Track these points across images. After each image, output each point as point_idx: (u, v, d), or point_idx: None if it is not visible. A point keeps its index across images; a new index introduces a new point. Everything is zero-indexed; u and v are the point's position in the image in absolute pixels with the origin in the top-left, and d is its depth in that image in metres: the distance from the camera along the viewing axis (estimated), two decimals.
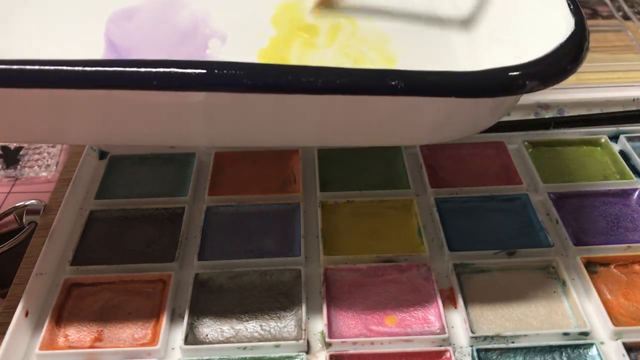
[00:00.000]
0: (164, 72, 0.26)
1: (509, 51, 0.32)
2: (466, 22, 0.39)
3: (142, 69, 0.26)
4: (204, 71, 0.26)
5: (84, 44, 0.38)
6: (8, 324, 0.34)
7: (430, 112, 0.30)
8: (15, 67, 0.26)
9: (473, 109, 0.31)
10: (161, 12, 0.40)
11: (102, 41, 0.38)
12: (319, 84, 0.27)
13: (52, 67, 0.26)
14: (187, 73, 0.26)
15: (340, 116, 0.31)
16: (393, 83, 0.27)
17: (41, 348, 0.33)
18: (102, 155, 0.46)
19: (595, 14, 0.63)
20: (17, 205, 0.46)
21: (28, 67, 0.26)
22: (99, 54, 0.37)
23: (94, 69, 0.26)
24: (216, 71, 0.26)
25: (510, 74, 0.27)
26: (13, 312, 0.35)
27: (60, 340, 0.34)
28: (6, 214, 0.46)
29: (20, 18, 0.39)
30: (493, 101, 0.30)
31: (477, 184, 0.43)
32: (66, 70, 0.26)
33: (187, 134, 0.33)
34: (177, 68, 0.26)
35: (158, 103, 0.29)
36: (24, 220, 0.45)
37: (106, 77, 0.26)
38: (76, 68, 0.26)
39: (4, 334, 0.34)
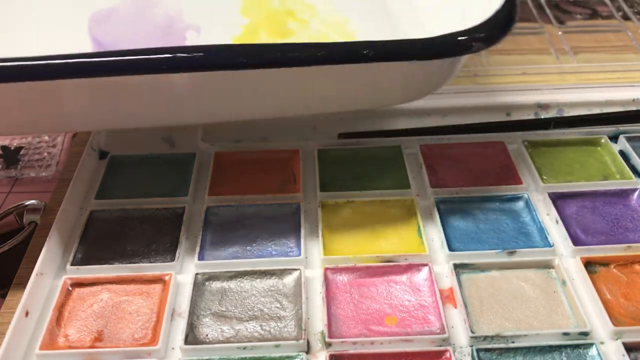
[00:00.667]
0: (170, 57, 0.31)
1: (450, 19, 0.37)
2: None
3: (154, 56, 0.31)
4: (203, 53, 0.31)
5: (73, 42, 0.41)
6: (8, 323, 0.34)
7: (396, 75, 0.36)
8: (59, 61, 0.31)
9: (430, 69, 0.37)
10: (136, 11, 0.44)
11: (88, 40, 0.41)
12: (304, 58, 0.32)
13: (98, 59, 0.31)
14: (194, 56, 0.31)
15: (321, 85, 0.36)
16: (365, 52, 0.32)
17: (41, 348, 0.33)
18: (102, 155, 0.46)
19: (595, 14, 0.63)
20: (17, 205, 0.46)
21: (72, 60, 0.31)
22: (89, 49, 0.40)
23: (120, 58, 0.31)
24: (215, 52, 0.31)
25: (459, 38, 0.33)
26: (13, 312, 0.35)
27: (61, 340, 0.34)
28: (6, 214, 0.46)
29: (6, 23, 0.42)
30: (444, 62, 0.36)
31: (477, 184, 0.43)
32: (106, 61, 0.31)
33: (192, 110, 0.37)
34: (183, 53, 0.31)
35: (163, 84, 0.34)
36: (24, 220, 0.45)
37: (124, 65, 0.31)
38: (109, 58, 0.31)
39: (4, 333, 0.34)
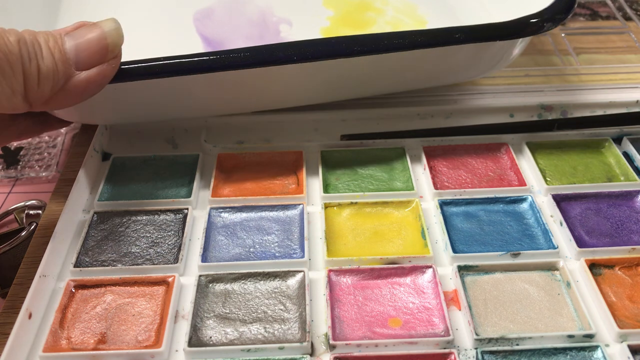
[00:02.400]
0: (303, 49, 0.37)
1: (510, 5, 0.44)
2: None
3: (290, 49, 0.37)
4: (336, 44, 0.38)
5: (185, 40, 0.46)
6: (11, 325, 0.34)
7: (475, 53, 0.43)
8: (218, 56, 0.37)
9: (500, 49, 0.43)
10: (231, 8, 0.48)
11: (197, 37, 0.46)
12: (406, 43, 0.38)
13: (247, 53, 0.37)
14: (329, 47, 0.38)
15: (414, 65, 0.43)
16: (457, 36, 0.39)
17: (44, 350, 0.33)
18: (105, 156, 0.46)
19: (595, 15, 0.63)
20: (17, 205, 0.46)
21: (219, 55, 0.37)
22: (199, 47, 0.45)
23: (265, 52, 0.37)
24: (344, 44, 0.38)
25: (532, 20, 0.40)
26: (14, 313, 0.35)
27: (64, 342, 0.34)
28: (6, 214, 0.46)
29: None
30: (514, 42, 0.43)
31: (481, 186, 0.43)
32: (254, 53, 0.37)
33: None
34: (318, 45, 0.37)
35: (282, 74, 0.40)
36: (24, 220, 0.45)
37: (266, 57, 0.37)
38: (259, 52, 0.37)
39: (5, 333, 0.34)
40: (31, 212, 0.46)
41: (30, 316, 0.34)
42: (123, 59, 0.36)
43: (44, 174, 0.50)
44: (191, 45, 0.45)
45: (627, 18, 0.61)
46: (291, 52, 0.37)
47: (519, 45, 0.44)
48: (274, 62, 0.37)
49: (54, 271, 0.38)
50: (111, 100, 0.40)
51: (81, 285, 0.37)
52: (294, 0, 0.50)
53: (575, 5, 0.42)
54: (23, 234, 0.43)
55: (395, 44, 0.38)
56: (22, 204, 0.46)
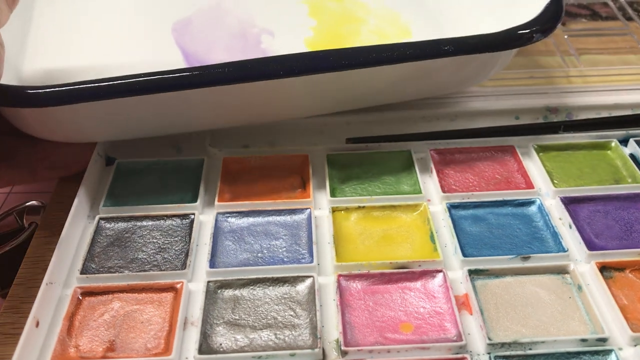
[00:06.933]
0: (290, 63, 0.37)
1: (499, 15, 0.44)
2: None
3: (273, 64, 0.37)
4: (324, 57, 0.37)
5: (163, 52, 0.45)
6: (11, 325, 0.33)
7: (464, 65, 0.42)
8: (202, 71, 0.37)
9: (490, 60, 0.43)
10: (210, 19, 0.47)
11: (176, 48, 0.45)
12: (395, 56, 0.38)
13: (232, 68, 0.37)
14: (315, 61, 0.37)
15: (400, 76, 0.42)
16: (446, 48, 0.38)
17: (53, 359, 0.33)
18: (109, 161, 0.46)
19: (595, 15, 0.62)
20: (17, 205, 0.46)
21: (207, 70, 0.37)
22: (179, 58, 0.45)
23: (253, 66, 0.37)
24: (330, 57, 0.37)
25: (520, 31, 0.40)
26: (14, 313, 0.35)
27: (72, 350, 0.34)
28: (6, 214, 0.46)
29: (93, 41, 0.47)
30: (503, 53, 0.42)
31: (489, 189, 0.42)
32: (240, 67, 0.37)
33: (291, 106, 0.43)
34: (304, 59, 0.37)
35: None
36: (24, 220, 0.45)
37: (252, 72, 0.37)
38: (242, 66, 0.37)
39: (7, 335, 0.33)
40: (31, 212, 0.45)
41: (37, 324, 0.34)
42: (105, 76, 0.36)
43: None
44: (172, 57, 0.45)
45: (629, 18, 0.61)
46: (271, 68, 0.37)
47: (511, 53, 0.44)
48: (252, 78, 0.37)
49: (60, 278, 0.37)
50: (101, 118, 0.40)
51: (88, 292, 0.36)
52: (277, 10, 0.49)
53: (563, 15, 0.41)
54: (23, 234, 0.43)
55: (385, 57, 0.38)
56: (22, 203, 0.46)
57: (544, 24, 0.40)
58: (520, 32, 0.40)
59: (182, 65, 0.44)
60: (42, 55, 0.46)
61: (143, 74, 0.36)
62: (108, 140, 0.46)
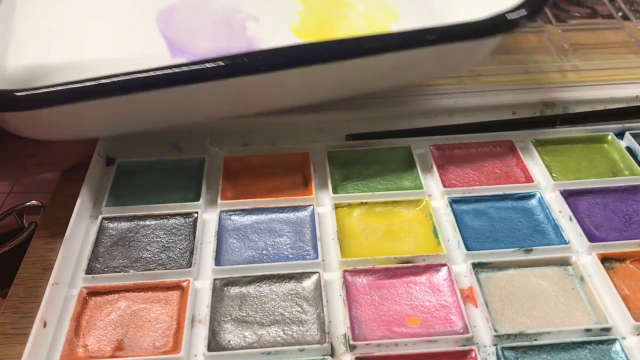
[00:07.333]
0: (288, 56, 0.38)
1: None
2: None
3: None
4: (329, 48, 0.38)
5: (148, 42, 0.43)
6: (11, 325, 0.33)
7: (450, 52, 0.42)
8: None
9: (476, 46, 0.43)
10: (194, 7, 0.46)
11: (161, 39, 0.43)
12: (384, 46, 0.39)
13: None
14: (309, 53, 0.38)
15: (390, 65, 0.42)
16: (429, 37, 0.39)
17: (61, 359, 0.33)
18: (110, 161, 0.46)
19: (594, 13, 0.63)
20: (17, 205, 0.46)
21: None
22: (164, 49, 0.43)
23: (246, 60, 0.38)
24: (328, 47, 0.38)
25: (508, 15, 0.40)
26: (14, 313, 0.35)
27: (80, 350, 0.34)
28: (6, 214, 0.46)
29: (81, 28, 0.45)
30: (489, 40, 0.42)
31: (489, 183, 0.43)
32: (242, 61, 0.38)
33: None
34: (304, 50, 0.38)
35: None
36: (24, 220, 0.45)
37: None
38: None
39: (7, 335, 0.33)
40: (31, 211, 0.45)
41: (45, 325, 0.34)
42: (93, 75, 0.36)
43: None
44: (156, 47, 0.43)
45: (625, 17, 0.62)
46: (252, 64, 0.37)
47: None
48: (233, 75, 0.37)
49: (66, 279, 0.37)
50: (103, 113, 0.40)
51: (94, 292, 0.36)
52: None
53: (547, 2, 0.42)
54: (23, 234, 0.43)
55: (373, 47, 0.39)
56: (22, 203, 0.46)
57: (531, 8, 0.40)
58: (508, 16, 0.40)
59: (168, 56, 0.43)
60: (26, 52, 0.44)
61: (128, 72, 0.36)
62: (102, 137, 0.46)
